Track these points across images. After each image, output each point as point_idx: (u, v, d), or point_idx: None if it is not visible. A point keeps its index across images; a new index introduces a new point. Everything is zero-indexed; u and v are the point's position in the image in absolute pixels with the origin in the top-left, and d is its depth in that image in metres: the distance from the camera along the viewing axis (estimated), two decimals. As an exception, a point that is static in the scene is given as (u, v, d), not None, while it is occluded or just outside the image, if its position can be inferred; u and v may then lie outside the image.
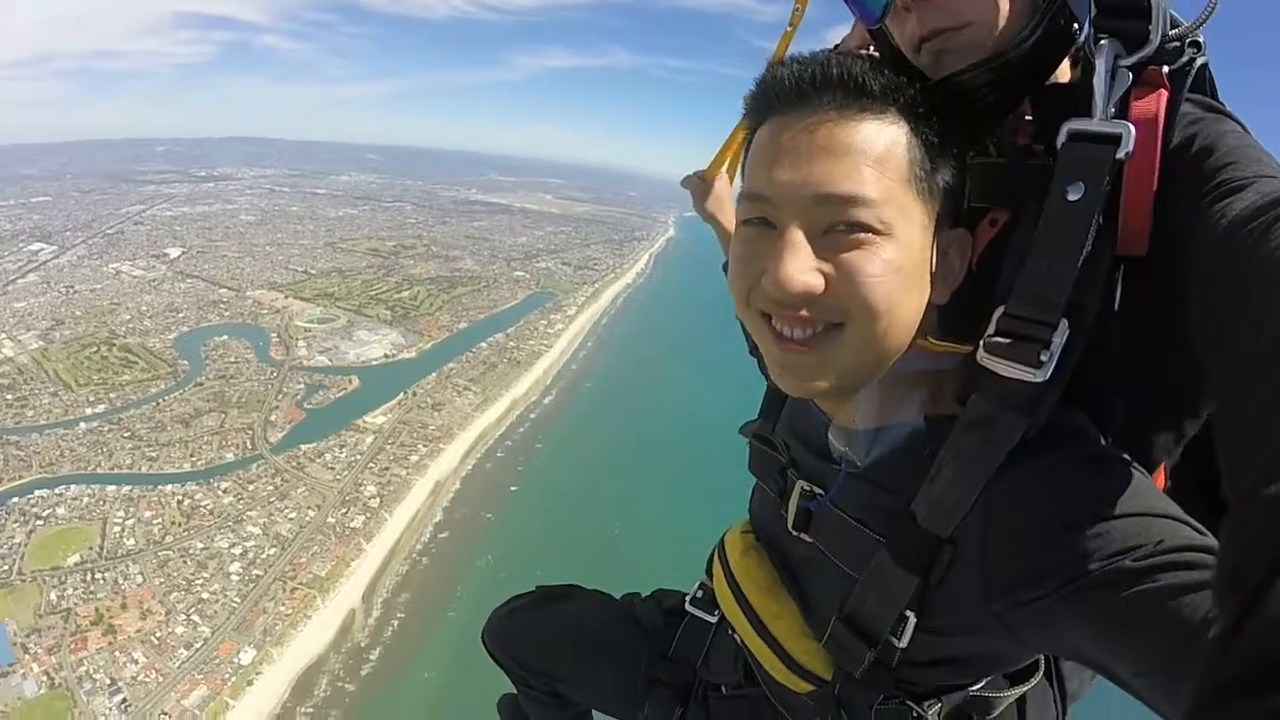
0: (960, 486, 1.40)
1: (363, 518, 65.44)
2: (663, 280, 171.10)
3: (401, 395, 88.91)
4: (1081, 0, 1.42)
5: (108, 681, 47.17)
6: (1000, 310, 1.40)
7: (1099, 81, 1.37)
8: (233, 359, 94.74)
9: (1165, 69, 1.41)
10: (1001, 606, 1.37)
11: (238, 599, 54.81)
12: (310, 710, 48.25)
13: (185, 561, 58.14)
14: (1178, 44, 1.43)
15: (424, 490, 70.91)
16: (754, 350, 1.78)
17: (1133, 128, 1.32)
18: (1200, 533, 1.22)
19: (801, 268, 1.38)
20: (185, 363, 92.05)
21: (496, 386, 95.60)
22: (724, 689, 2.41)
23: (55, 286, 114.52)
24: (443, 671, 49.78)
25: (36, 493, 64.09)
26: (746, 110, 1.61)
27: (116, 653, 49.34)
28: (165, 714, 45.54)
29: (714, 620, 2.42)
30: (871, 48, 1.80)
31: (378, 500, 68.10)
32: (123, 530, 60.80)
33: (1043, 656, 1.91)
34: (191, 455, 72.53)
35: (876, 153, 1.38)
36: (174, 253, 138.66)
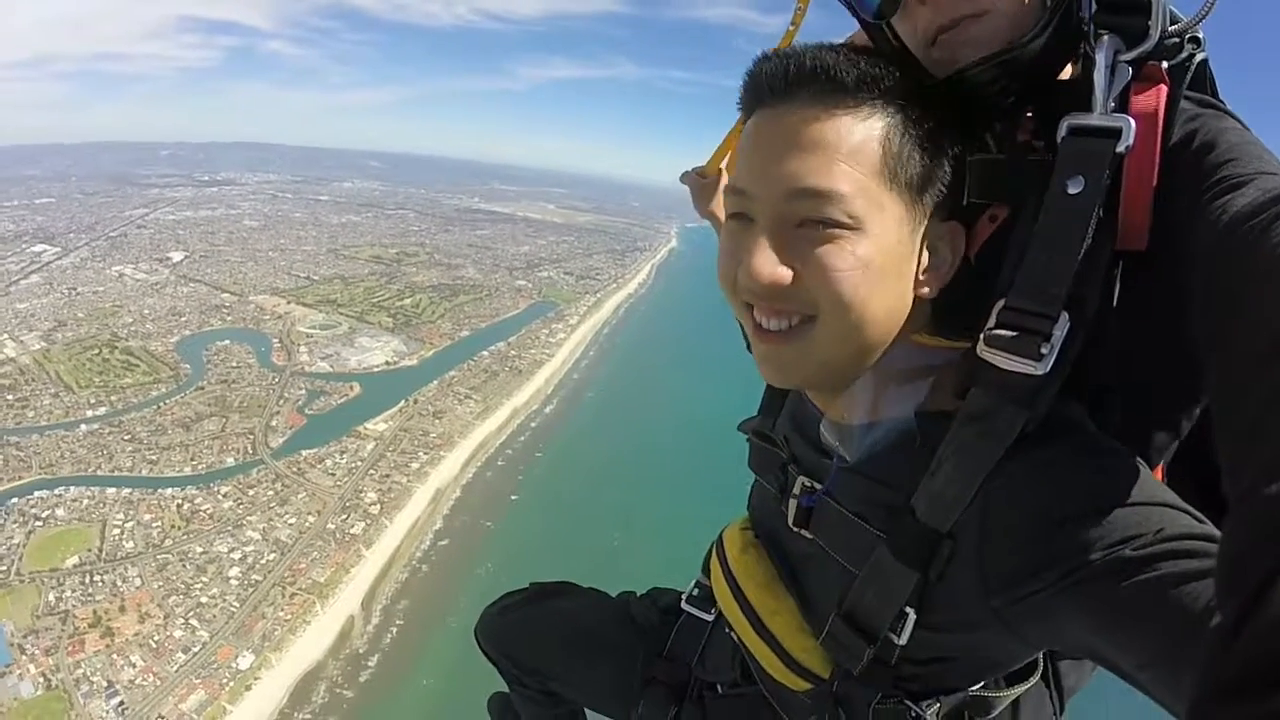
0: (960, 480, 1.40)
1: (363, 524, 65.32)
2: (665, 290, 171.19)
3: (403, 402, 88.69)
4: None
5: (105, 684, 47.02)
6: (1001, 303, 1.40)
7: (1099, 76, 1.38)
8: (234, 364, 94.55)
9: (1164, 64, 1.42)
10: (1000, 602, 1.37)
11: (236, 604, 54.69)
12: (308, 716, 48.17)
13: (184, 565, 58.00)
14: (1177, 40, 1.44)
15: (424, 498, 70.78)
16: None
17: (1133, 122, 1.33)
18: (1200, 521, 1.21)
19: (769, 261, 1.43)
20: (187, 366, 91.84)
21: (498, 395, 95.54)
22: (720, 688, 2.39)
23: (58, 288, 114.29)
24: (442, 679, 49.60)
25: (36, 494, 63.93)
26: (738, 104, 1.63)
27: (114, 655, 49.20)
28: (162, 717, 45.42)
29: (710, 619, 2.42)
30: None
31: (378, 507, 67.95)
32: (122, 533, 60.62)
33: (1040, 656, 1.89)
34: (192, 459, 72.41)
35: (849, 147, 1.39)
36: (177, 256, 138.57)
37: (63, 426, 75.62)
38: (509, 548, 64.08)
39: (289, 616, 54.37)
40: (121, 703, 45.92)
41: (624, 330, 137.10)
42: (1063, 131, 1.39)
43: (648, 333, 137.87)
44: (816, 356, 1.51)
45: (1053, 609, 1.28)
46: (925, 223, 1.50)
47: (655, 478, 77.59)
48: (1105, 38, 1.40)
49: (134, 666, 48.61)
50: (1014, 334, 1.35)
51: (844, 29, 1.86)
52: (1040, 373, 1.31)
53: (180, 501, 65.51)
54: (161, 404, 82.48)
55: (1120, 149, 1.33)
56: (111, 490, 65.95)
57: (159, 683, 47.58)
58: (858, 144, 1.40)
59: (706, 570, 2.32)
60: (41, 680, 46.72)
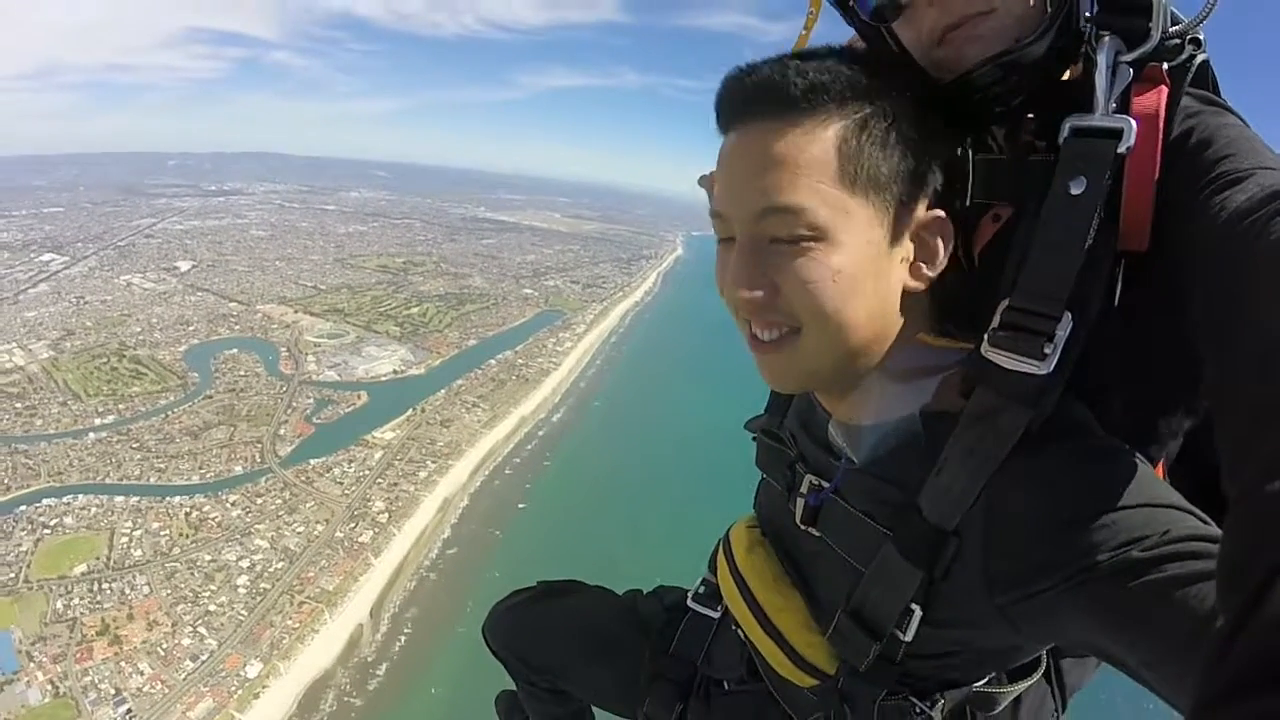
0: (964, 479, 1.41)
1: (371, 533, 65.23)
2: (671, 299, 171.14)
3: (410, 411, 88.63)
4: None
5: (113, 691, 46.96)
6: (1004, 304, 1.41)
7: (1100, 77, 1.40)
8: (242, 372, 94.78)
9: (1165, 65, 1.43)
10: (1005, 600, 1.38)
11: (245, 612, 54.61)
12: (316, 725, 47.82)
13: (192, 573, 57.95)
14: (1178, 41, 1.45)
15: (432, 506, 70.68)
16: None
17: (1134, 123, 1.34)
18: (1205, 522, 1.23)
19: (746, 279, 1.47)
20: (195, 375, 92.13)
21: (505, 403, 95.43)
22: (726, 684, 2.41)
23: (66, 297, 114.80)
24: (450, 687, 49.48)
25: (44, 501, 63.97)
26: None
27: (122, 663, 49.17)
28: (170, 725, 45.09)
29: (716, 616, 2.43)
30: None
31: (386, 516, 67.92)
32: (130, 541, 60.65)
33: (1044, 653, 1.90)
34: (200, 467, 72.45)
35: (805, 159, 1.40)
36: (184, 266, 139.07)
37: (71, 435, 75.72)
38: (517, 556, 63.76)
39: (297, 625, 54.20)
40: (129, 710, 45.84)
41: (631, 339, 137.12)
42: (1065, 132, 1.40)
43: (654, 341, 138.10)
44: (806, 364, 1.55)
45: (1058, 608, 1.30)
46: (902, 218, 1.49)
47: (663, 486, 77.45)
48: (1106, 39, 1.42)
49: (142, 674, 48.52)
50: (1018, 334, 1.37)
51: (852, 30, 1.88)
52: (1043, 372, 1.32)
53: (188, 510, 65.54)
54: (169, 412, 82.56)
55: (1121, 150, 1.34)
56: (120, 498, 65.91)
57: (167, 690, 47.46)
58: (814, 155, 1.40)
59: (713, 568, 2.32)
60: (49, 687, 46.67)
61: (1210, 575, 1.08)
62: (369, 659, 53.47)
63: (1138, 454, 1.37)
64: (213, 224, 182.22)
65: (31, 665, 47.94)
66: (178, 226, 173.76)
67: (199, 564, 59.10)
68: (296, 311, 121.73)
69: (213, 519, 64.71)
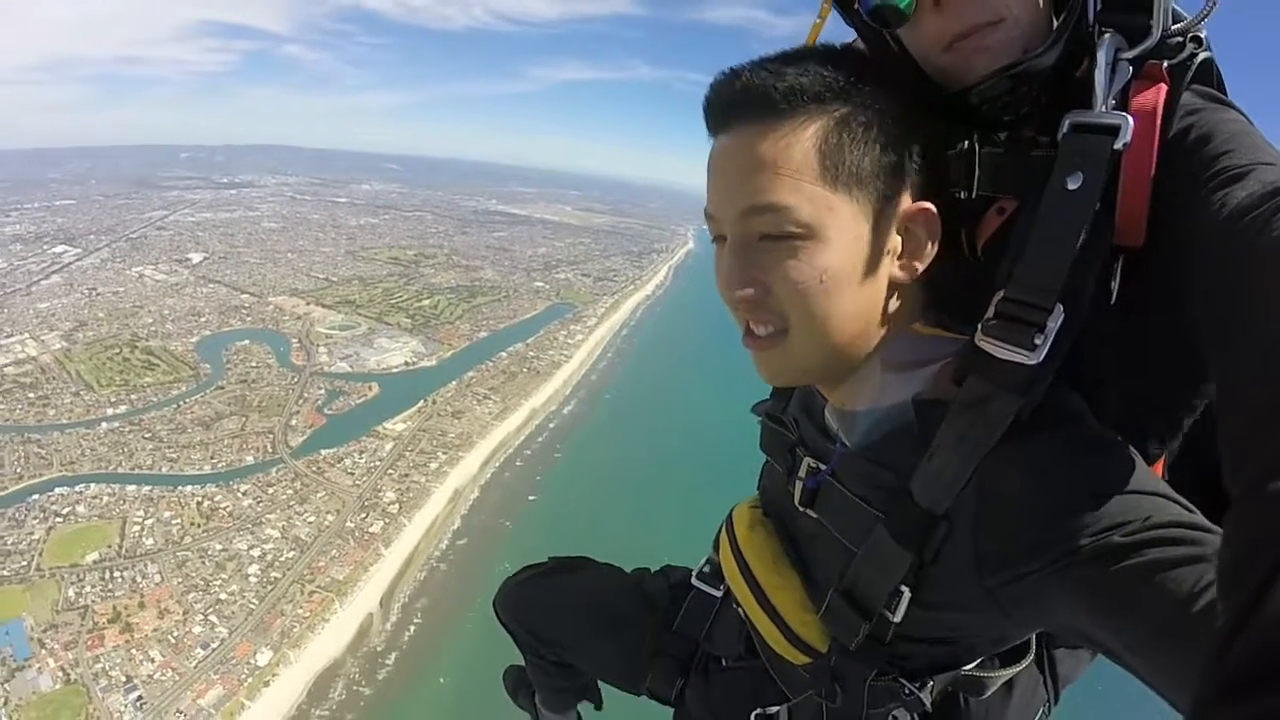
0: (955, 464, 1.43)
1: (382, 523, 65.35)
2: (682, 292, 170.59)
3: (421, 402, 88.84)
4: None
5: (123, 679, 47.11)
6: (999, 295, 1.44)
7: (1099, 74, 1.42)
8: (254, 363, 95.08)
9: (1166, 63, 1.44)
10: (993, 582, 1.40)
11: (255, 600, 54.75)
12: (326, 713, 48.14)
13: (204, 562, 58.09)
14: (1180, 39, 1.46)
15: (443, 497, 70.75)
16: None
17: (1131, 119, 1.35)
18: (1189, 510, 1.25)
19: (735, 279, 1.53)
20: (207, 366, 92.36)
21: (516, 395, 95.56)
22: (724, 661, 2.46)
23: (78, 288, 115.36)
24: (459, 677, 49.57)
25: (57, 490, 64.26)
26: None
27: (133, 650, 49.30)
28: (181, 713, 45.40)
29: (719, 594, 2.49)
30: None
31: (397, 506, 68.01)
32: (142, 529, 60.84)
33: (1034, 639, 1.95)
34: (212, 457, 72.68)
35: (787, 159, 1.44)
36: (196, 258, 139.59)
37: (83, 425, 75.99)
38: (527, 547, 63.32)
39: (308, 614, 54.39)
40: (140, 697, 45.96)
41: (642, 332, 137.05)
42: (1064, 128, 1.43)
43: (666, 334, 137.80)
44: (796, 361, 1.60)
45: (1044, 591, 1.32)
46: (887, 211, 1.52)
47: (673, 478, 77.34)
48: (1107, 36, 1.43)
49: (153, 662, 48.63)
50: (1010, 324, 1.39)
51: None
52: (1033, 362, 1.34)
53: (200, 499, 65.70)
54: (181, 403, 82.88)
55: (1118, 146, 1.36)
56: (132, 488, 66.14)
57: (177, 678, 47.59)
58: (795, 154, 1.44)
59: (717, 547, 2.33)
60: (60, 674, 46.79)
61: (1191, 560, 1.12)
62: (378, 648, 53.54)
63: (1128, 445, 1.38)
64: (224, 216, 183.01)
65: (43, 652, 48.03)
66: (189, 219, 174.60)
67: (210, 553, 59.19)
68: (308, 303, 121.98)
69: (224, 508, 64.81)
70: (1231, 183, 1.25)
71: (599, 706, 3.51)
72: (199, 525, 62.27)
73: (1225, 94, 1.52)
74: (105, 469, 68.68)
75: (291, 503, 66.68)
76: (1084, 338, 1.41)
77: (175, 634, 51.09)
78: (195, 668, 48.53)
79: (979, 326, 1.44)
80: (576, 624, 2.91)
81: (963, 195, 1.61)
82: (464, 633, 53.18)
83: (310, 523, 64.18)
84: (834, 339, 1.55)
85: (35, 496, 63.04)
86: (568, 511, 69.77)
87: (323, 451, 75.54)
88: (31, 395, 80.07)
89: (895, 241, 1.54)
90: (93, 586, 54.41)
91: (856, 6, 1.57)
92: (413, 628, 55.92)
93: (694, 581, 2.57)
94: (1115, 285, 1.49)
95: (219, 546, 60.09)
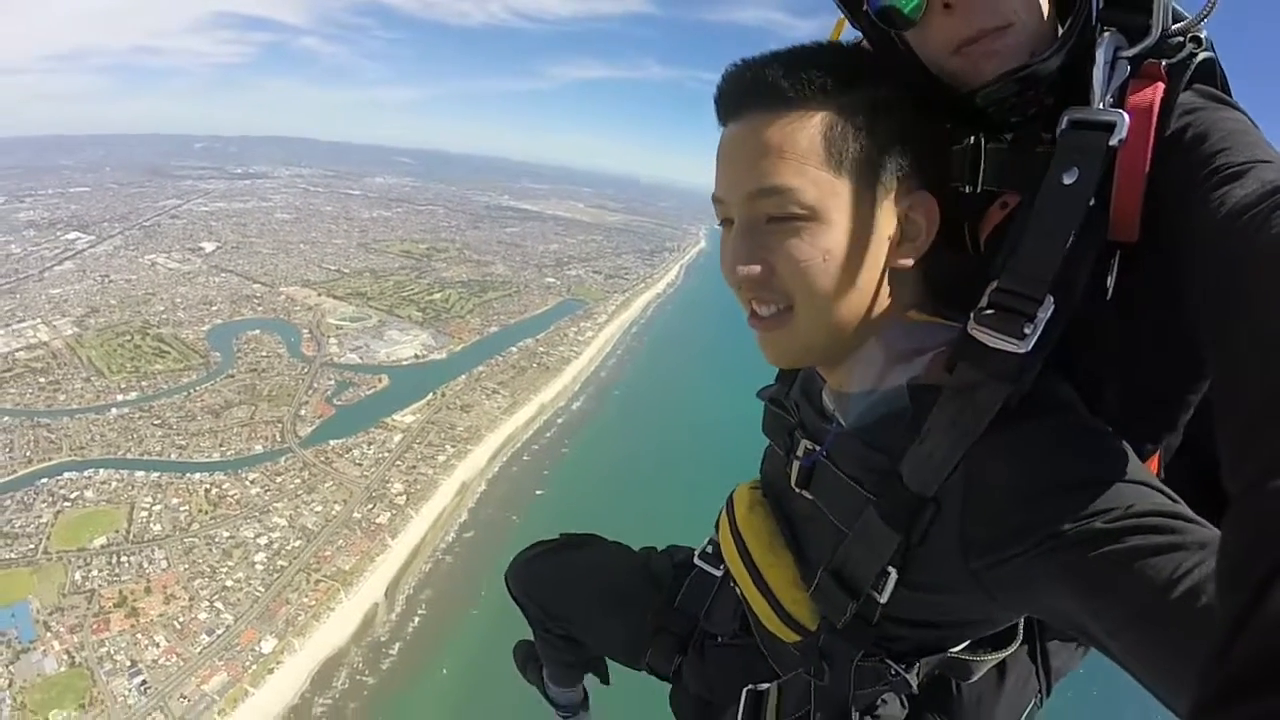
0: (945, 449, 1.47)
1: (389, 514, 65.58)
2: (694, 290, 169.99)
3: (431, 395, 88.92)
4: None
5: (128, 663, 47.30)
6: (993, 285, 1.47)
7: (1098, 71, 1.44)
8: (264, 353, 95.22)
9: (1165, 63, 1.45)
10: (979, 565, 1.44)
11: (261, 588, 54.91)
12: (329, 702, 48.31)
13: (210, 549, 58.27)
14: (1180, 39, 1.48)
15: (450, 490, 70.94)
16: None
17: (1127, 116, 1.38)
18: (1173, 500, 1.28)
19: (739, 260, 1.59)
20: (217, 355, 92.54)
21: (525, 390, 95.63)
22: (719, 638, 2.52)
23: (91, 275, 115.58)
24: (462, 668, 50.07)
25: (65, 474, 64.42)
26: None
27: (138, 635, 49.48)
28: (184, 698, 45.63)
29: (719, 574, 2.52)
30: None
31: (404, 498, 68.26)
32: (150, 515, 60.96)
33: (1024, 629, 2.00)
34: (220, 445, 72.81)
35: (794, 145, 1.50)
36: (209, 247, 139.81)
37: (93, 410, 76.20)
38: (532, 541, 63.97)
39: (313, 603, 54.53)
40: (144, 682, 46.14)
41: (652, 329, 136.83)
42: (1063, 124, 1.46)
43: (676, 332, 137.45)
44: (800, 339, 1.65)
45: (1028, 574, 1.35)
46: (887, 198, 1.57)
47: (681, 475, 77.15)
48: (1107, 34, 1.45)
49: (158, 647, 48.78)
50: (1002, 314, 1.43)
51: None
52: (1022, 351, 1.37)
53: (208, 486, 65.89)
54: (191, 391, 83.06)
55: (1114, 143, 1.38)
56: (140, 473, 66.34)
57: (182, 663, 47.76)
58: (801, 140, 1.50)
59: (719, 527, 2.36)
60: (65, 657, 46.97)
61: (1169, 549, 1.14)
62: (383, 639, 53.66)
63: (1116, 435, 1.42)
64: (238, 206, 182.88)
65: (49, 635, 48.24)
66: (203, 208, 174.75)
67: (217, 540, 59.38)
68: (319, 294, 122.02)
69: (232, 496, 65.04)
70: (1229, 181, 1.25)
71: (606, 682, 3.55)
72: (207, 512, 62.39)
73: (1229, 94, 1.54)
74: (114, 454, 68.81)
75: (299, 492, 66.81)
76: (1081, 331, 1.46)
77: (181, 620, 51.27)
78: (200, 654, 48.69)
79: (971, 315, 1.48)
80: (583, 599, 2.99)
81: (967, 189, 1.66)
82: (468, 625, 53.47)
83: (317, 512, 64.31)
84: (835, 318, 1.60)
85: (44, 480, 63.18)
86: (575, 506, 69.57)
87: (331, 442, 75.70)
88: (42, 380, 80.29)
89: (895, 228, 1.59)
90: (99, 571, 54.61)
91: (865, 8, 1.61)
92: (417, 619, 56.01)
93: (696, 561, 2.62)
94: (1111, 280, 1.51)
95: (226, 534, 60.22)
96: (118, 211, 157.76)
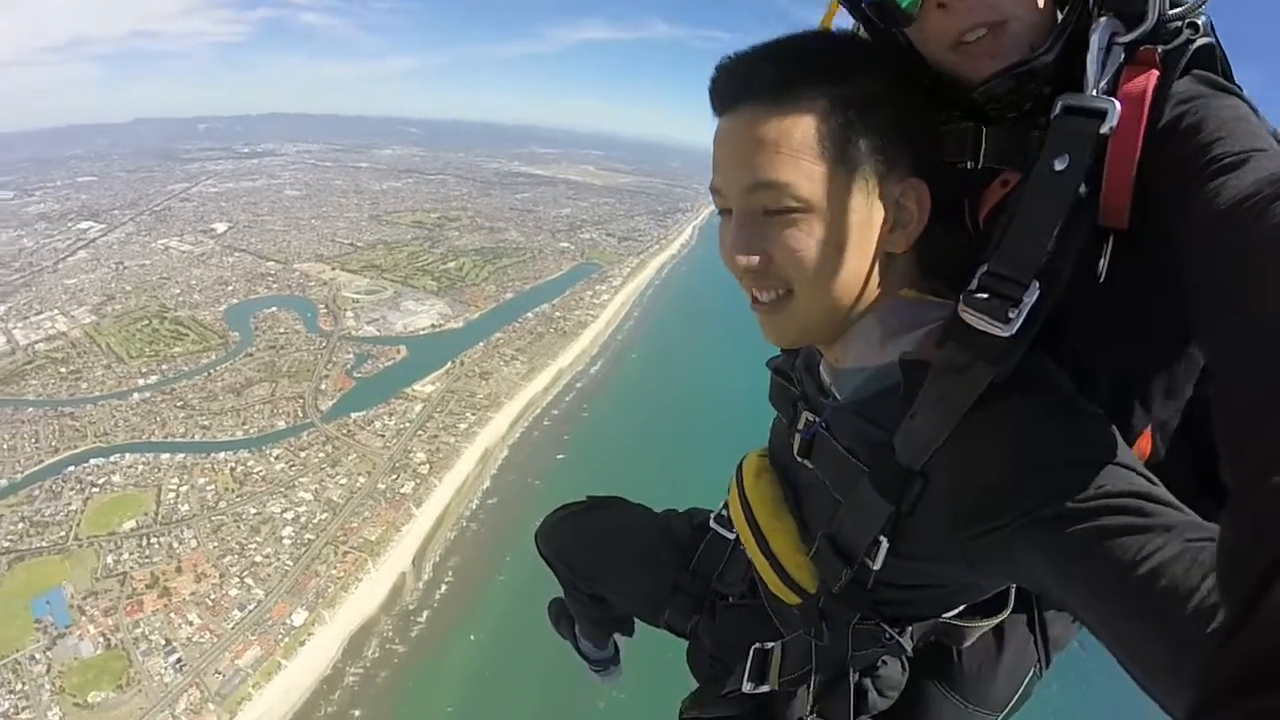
0: (933, 425, 1.53)
1: (412, 484, 65.82)
2: (708, 251, 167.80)
3: (449, 364, 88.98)
4: None
5: (163, 642, 47.92)
6: (984, 268, 1.51)
7: (1092, 58, 1.46)
8: (282, 330, 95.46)
9: (1161, 49, 1.46)
10: (963, 536, 1.49)
11: (290, 562, 55.41)
12: (360, 671, 48.83)
13: (239, 526, 58.73)
14: (1178, 24, 1.48)
15: (473, 457, 71.10)
16: None
17: (1118, 104, 1.39)
18: (1150, 482, 1.31)
19: (738, 250, 1.65)
20: (235, 334, 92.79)
21: (543, 356, 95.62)
22: (730, 599, 2.65)
23: (105, 263, 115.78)
24: (490, 634, 50.59)
25: (92, 461, 65.01)
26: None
27: (172, 614, 50.09)
28: (219, 673, 46.16)
29: (732, 537, 2.63)
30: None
31: (427, 467, 68.43)
32: (177, 496, 61.56)
33: (1022, 599, 2.13)
34: (243, 423, 73.22)
35: (787, 140, 1.53)
36: (221, 228, 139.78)
37: (116, 396, 76.61)
38: (557, 505, 64.17)
39: (341, 574, 54.96)
40: (179, 659, 46.74)
41: (667, 291, 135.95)
42: (1056, 109, 1.48)
43: (691, 293, 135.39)
44: (799, 322, 1.71)
45: (1007, 547, 1.38)
46: (880, 187, 1.61)
47: (700, 436, 77.07)
48: (1103, 20, 1.47)
49: (191, 624, 49.41)
50: (989, 297, 1.46)
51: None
52: (1006, 335, 1.41)
53: (233, 464, 66.38)
54: (212, 371, 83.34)
55: (1104, 130, 1.40)
56: (165, 456, 66.83)
57: (215, 640, 48.35)
58: (795, 135, 1.53)
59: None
60: (101, 640, 47.62)
61: (1138, 530, 1.18)
62: (411, 607, 54.13)
63: (1101, 415, 1.45)
64: (247, 185, 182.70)
65: (83, 619, 48.88)
66: (212, 189, 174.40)
67: (245, 517, 59.85)
68: (334, 269, 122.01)
69: (257, 473, 65.50)
70: (1226, 171, 1.25)
71: (630, 635, 3.75)
72: (233, 490, 62.91)
73: (1231, 78, 1.54)
74: (139, 438, 69.23)
75: (323, 466, 67.11)
76: (1074, 312, 1.51)
77: (212, 597, 51.84)
78: (233, 629, 49.28)
79: (961, 297, 1.52)
80: (607, 559, 3.12)
81: (969, 165, 1.71)
82: (494, 591, 53.98)
83: (342, 485, 64.68)
84: (832, 302, 1.66)
85: (71, 468, 63.77)
86: (596, 470, 69.71)
87: (353, 414, 76.01)
88: (63, 370, 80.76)
89: (888, 214, 1.63)
90: (130, 554, 55.18)
91: (863, 4, 1.64)
92: (444, 586, 56.44)
93: (711, 524, 2.75)
94: (1104, 264, 1.53)
95: (253, 510, 60.72)
96: (127, 198, 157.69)
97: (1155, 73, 1.43)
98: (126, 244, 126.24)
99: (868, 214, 1.60)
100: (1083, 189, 1.43)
